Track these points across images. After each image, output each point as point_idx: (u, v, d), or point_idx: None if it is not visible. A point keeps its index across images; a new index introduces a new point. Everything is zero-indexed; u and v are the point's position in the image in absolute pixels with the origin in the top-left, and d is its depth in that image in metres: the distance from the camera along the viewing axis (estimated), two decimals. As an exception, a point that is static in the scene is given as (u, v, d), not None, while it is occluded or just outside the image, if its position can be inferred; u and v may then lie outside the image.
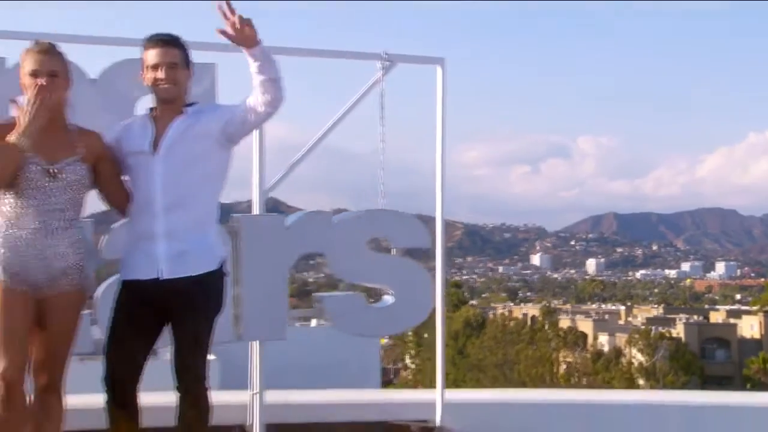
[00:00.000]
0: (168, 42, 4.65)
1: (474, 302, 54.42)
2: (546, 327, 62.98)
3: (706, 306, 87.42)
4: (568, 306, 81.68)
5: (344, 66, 7.96)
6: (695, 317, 73.06)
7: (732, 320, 69.27)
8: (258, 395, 6.26)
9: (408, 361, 61.23)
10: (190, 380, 4.67)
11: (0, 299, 4.46)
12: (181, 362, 4.69)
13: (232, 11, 4.40)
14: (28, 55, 4.51)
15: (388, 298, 6.57)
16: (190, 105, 4.70)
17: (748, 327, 65.40)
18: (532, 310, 73.47)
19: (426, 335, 46.84)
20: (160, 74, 4.57)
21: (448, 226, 7.17)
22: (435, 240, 6.85)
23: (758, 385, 48.05)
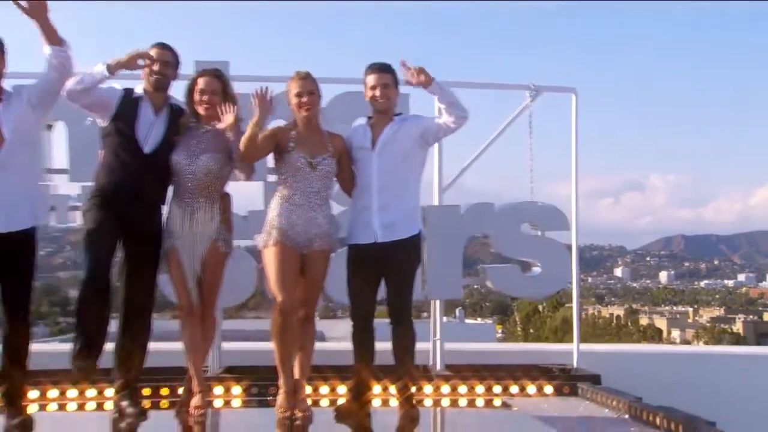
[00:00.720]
0: (383, 68, 5.30)
1: (570, 305, 54.62)
2: (629, 324, 65.03)
3: (760, 308, 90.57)
4: (645, 308, 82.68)
5: (487, 94, 8.02)
6: (751, 317, 76.99)
7: None
8: (439, 341, 6.87)
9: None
10: (403, 315, 5.34)
11: (278, 254, 5.09)
12: (395, 302, 5.37)
13: (410, 68, 5.17)
14: (293, 81, 5.19)
15: (536, 269, 7.08)
16: (397, 115, 5.39)
17: None
18: (617, 311, 75.02)
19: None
20: (377, 92, 5.26)
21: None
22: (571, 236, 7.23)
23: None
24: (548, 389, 6.36)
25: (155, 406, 5.68)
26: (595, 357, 7.36)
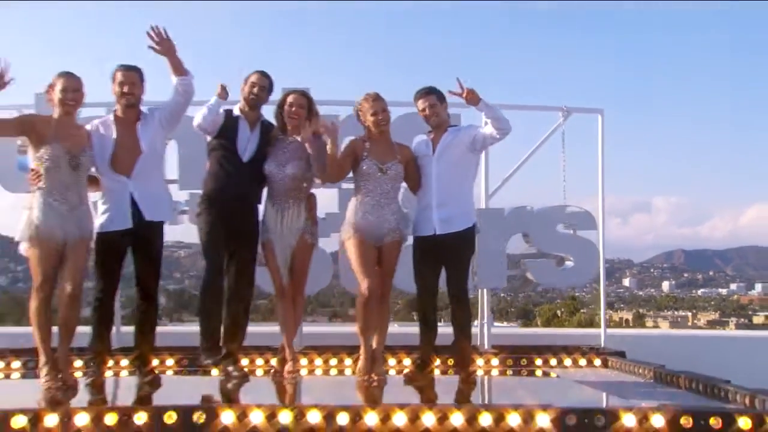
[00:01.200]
0: (428, 92, 5.74)
1: (584, 311, 56.03)
2: (636, 326, 66.18)
3: (750, 312, 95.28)
4: (650, 313, 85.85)
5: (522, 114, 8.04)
6: (742, 320, 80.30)
7: None
8: (486, 324, 7.34)
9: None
10: (460, 292, 5.79)
11: (358, 246, 5.49)
12: (453, 285, 5.75)
13: (463, 88, 5.56)
14: (366, 102, 5.61)
15: (569, 263, 7.43)
16: (451, 126, 5.83)
17: None
18: (626, 315, 76.26)
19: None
20: (428, 112, 5.73)
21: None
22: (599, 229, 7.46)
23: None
24: (582, 362, 6.71)
25: (252, 372, 6.04)
26: (620, 338, 7.71)
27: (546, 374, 6.45)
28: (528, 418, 3.85)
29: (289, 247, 5.66)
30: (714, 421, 3.72)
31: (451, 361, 6.25)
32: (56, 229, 5.03)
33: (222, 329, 5.69)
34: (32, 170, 5.09)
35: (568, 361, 6.71)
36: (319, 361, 6.52)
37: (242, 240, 5.71)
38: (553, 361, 6.69)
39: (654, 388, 5.55)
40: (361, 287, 5.45)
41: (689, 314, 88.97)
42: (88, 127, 5.49)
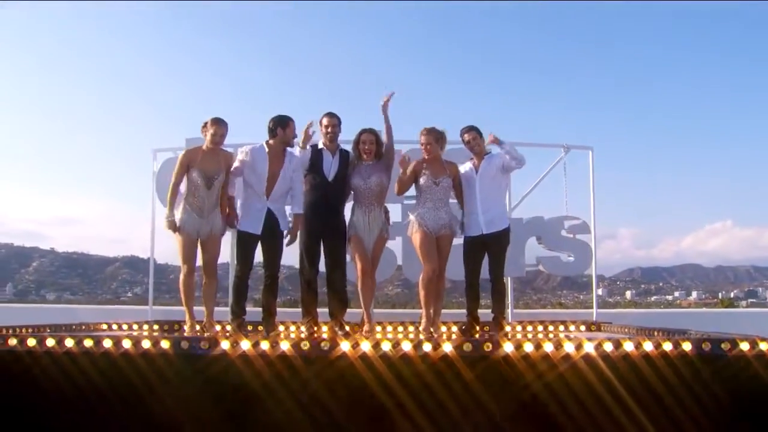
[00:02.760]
0: (471, 129, 6.05)
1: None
2: None
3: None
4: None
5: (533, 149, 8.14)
6: None
7: None
8: (510, 309, 7.59)
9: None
10: (499, 277, 6.04)
11: (422, 237, 5.78)
12: (494, 270, 5.99)
13: (491, 136, 5.93)
14: (422, 135, 5.93)
15: (570, 258, 7.78)
16: (487, 154, 6.10)
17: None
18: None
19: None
20: (472, 143, 6.05)
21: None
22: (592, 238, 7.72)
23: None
24: (582, 327, 7.07)
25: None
26: (608, 315, 8.09)
27: (557, 336, 6.64)
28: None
29: (372, 239, 5.95)
30: (725, 346, 4.05)
31: (487, 327, 6.37)
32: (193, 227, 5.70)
33: (329, 306, 6.06)
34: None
35: (572, 327, 7.05)
36: (389, 327, 6.77)
37: (334, 238, 6.04)
38: (561, 327, 7.02)
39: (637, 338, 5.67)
40: (426, 268, 5.72)
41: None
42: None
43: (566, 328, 7.05)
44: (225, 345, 4.16)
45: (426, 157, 5.99)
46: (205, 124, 5.86)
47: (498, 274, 6.06)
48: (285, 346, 4.16)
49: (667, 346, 3.97)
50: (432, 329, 5.77)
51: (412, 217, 5.99)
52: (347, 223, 6.08)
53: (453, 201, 6.17)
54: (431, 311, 5.83)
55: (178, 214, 5.72)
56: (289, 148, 6.03)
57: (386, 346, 4.30)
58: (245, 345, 4.17)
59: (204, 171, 5.71)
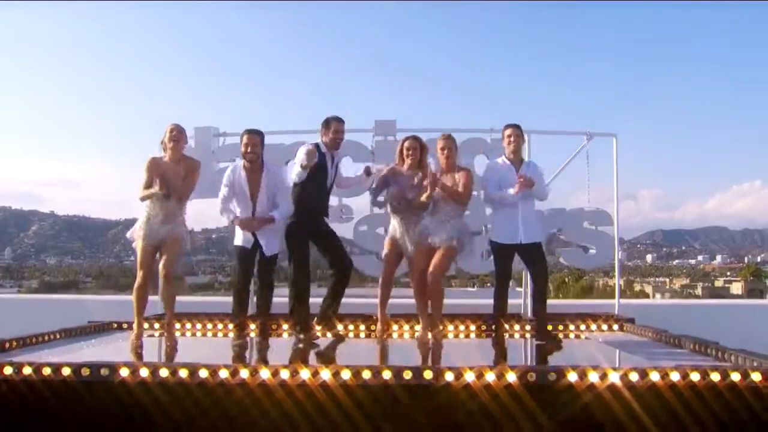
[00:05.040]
0: (516, 126, 6.20)
1: (586, 277, 58.13)
2: (626, 291, 67.15)
3: (712, 278, 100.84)
4: (638, 279, 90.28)
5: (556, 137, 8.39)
6: (707, 284, 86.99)
7: (726, 285, 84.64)
8: (530, 299, 7.37)
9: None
10: (544, 284, 6.22)
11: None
12: (538, 277, 6.21)
13: (524, 179, 5.95)
14: (439, 141, 6.09)
15: (592, 251, 7.80)
16: (525, 161, 6.28)
17: (736, 288, 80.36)
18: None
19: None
20: (512, 139, 6.17)
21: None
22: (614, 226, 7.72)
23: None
24: (604, 327, 7.07)
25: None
26: (630, 307, 7.93)
27: (578, 336, 6.80)
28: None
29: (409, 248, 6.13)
30: (715, 376, 3.87)
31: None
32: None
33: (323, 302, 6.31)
34: None
35: (593, 326, 7.07)
36: (406, 326, 6.78)
37: (325, 232, 6.30)
38: (583, 326, 7.05)
39: (661, 348, 5.82)
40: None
41: (667, 280, 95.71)
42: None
43: (587, 327, 7.08)
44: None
45: (444, 165, 6.07)
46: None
47: (544, 280, 6.22)
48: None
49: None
50: (430, 331, 5.97)
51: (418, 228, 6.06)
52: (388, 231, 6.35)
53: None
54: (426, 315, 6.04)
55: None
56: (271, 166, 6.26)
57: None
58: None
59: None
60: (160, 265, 5.85)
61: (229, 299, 6.53)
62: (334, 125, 6.22)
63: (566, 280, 61.50)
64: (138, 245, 5.87)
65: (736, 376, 3.84)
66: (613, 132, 7.98)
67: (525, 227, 6.10)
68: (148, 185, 5.92)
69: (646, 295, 73.28)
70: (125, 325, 7.07)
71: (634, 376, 3.84)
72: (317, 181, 6.15)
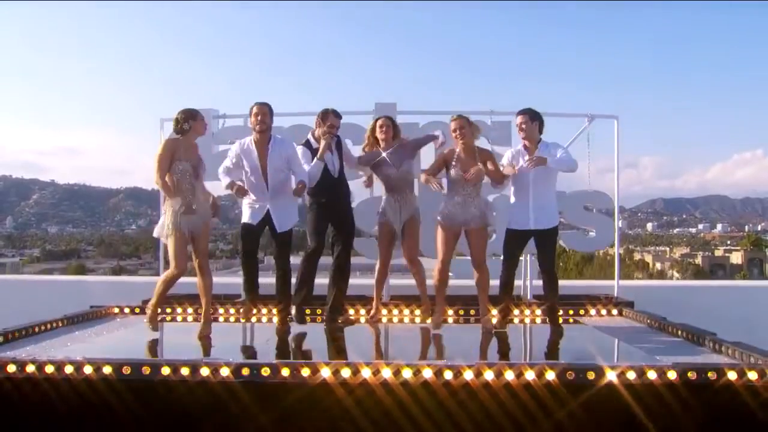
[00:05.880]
0: (523, 112, 5.96)
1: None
2: (626, 259, 67.50)
3: (712, 247, 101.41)
4: (638, 248, 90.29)
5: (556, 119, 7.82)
6: (707, 253, 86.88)
7: (726, 254, 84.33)
8: (529, 280, 7.75)
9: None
10: (551, 270, 6.05)
11: (443, 234, 5.97)
12: (545, 263, 6.03)
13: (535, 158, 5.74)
14: (453, 122, 6.00)
15: (592, 234, 7.84)
16: (541, 141, 5.99)
17: (736, 258, 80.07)
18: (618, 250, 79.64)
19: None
20: (524, 126, 5.92)
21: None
22: (615, 207, 7.85)
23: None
24: (603, 312, 7.10)
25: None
26: (631, 290, 8.06)
27: (577, 321, 6.78)
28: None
29: (400, 224, 6.26)
30: (711, 375, 3.90)
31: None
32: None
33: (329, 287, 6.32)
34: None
35: (593, 311, 7.09)
36: (407, 311, 6.90)
37: (344, 224, 6.30)
38: (582, 311, 7.06)
39: (659, 336, 5.86)
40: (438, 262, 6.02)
41: (667, 249, 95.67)
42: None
43: (587, 312, 7.11)
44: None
45: (457, 146, 6.03)
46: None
47: (549, 268, 6.07)
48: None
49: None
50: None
51: (440, 209, 6.10)
52: (380, 210, 6.41)
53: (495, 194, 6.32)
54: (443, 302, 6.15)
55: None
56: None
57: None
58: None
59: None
60: (194, 257, 5.69)
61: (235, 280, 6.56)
62: (330, 119, 6.22)
63: (566, 249, 62.42)
64: (171, 238, 5.54)
65: (732, 375, 3.89)
66: (614, 114, 7.94)
67: (537, 213, 5.93)
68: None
69: (647, 264, 73.34)
70: (127, 309, 7.14)
71: (631, 375, 3.88)
72: (324, 176, 6.17)
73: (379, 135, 6.36)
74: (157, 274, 7.22)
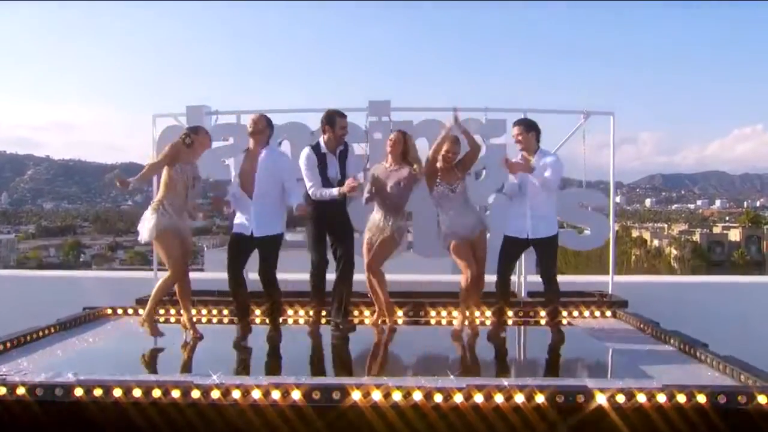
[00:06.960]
0: (517, 123, 6.10)
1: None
2: (624, 235, 68.35)
3: (711, 224, 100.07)
4: (636, 224, 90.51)
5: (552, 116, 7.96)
6: (705, 230, 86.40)
7: (725, 231, 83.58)
8: (524, 276, 7.70)
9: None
10: (550, 276, 6.02)
11: (457, 246, 6.03)
12: (545, 270, 6.10)
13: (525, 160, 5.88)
14: (448, 140, 6.05)
15: (587, 232, 7.78)
16: (538, 150, 6.02)
17: (734, 235, 79.20)
18: (615, 226, 78.94)
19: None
20: (519, 138, 6.00)
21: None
22: (610, 204, 7.81)
23: (739, 267, 59.39)
24: (597, 313, 7.06)
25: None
26: (624, 286, 7.97)
27: (570, 324, 6.75)
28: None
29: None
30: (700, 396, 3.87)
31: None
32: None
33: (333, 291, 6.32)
34: None
35: (586, 312, 7.06)
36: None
37: (343, 233, 6.32)
38: (575, 313, 7.03)
39: (651, 344, 5.84)
40: (465, 274, 6.03)
41: (665, 225, 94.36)
42: None
43: (580, 313, 7.08)
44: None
45: (442, 165, 6.08)
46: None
47: (550, 276, 6.09)
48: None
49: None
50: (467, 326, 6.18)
51: (442, 231, 6.18)
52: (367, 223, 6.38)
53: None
54: (467, 312, 6.21)
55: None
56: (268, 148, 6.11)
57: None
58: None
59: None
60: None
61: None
62: (339, 122, 6.20)
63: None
64: (163, 239, 5.62)
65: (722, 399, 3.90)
66: (610, 111, 7.88)
67: (534, 221, 5.96)
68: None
69: (644, 241, 73.24)
70: (120, 311, 7.14)
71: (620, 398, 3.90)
72: (324, 182, 6.17)
73: (387, 148, 6.29)
74: (151, 256, 7.34)
